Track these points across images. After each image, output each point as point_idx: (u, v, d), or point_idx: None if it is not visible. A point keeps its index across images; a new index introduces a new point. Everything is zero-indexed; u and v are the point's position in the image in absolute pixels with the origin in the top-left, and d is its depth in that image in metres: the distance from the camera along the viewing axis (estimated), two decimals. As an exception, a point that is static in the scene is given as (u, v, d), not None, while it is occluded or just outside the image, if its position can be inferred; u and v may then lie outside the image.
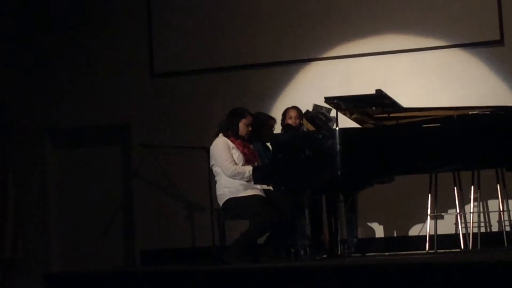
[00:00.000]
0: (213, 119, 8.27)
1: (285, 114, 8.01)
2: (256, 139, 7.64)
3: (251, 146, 7.44)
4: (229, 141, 7.27)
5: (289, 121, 7.91)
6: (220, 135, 7.34)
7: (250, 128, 7.35)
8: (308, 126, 7.73)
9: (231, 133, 7.30)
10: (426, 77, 8.85)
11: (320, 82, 8.94)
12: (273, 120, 7.97)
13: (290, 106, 8.04)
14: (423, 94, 8.67)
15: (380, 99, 7.07)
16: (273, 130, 7.88)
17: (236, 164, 7.18)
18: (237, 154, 7.23)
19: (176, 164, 9.31)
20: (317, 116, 7.66)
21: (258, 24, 9.32)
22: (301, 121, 7.85)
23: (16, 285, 9.45)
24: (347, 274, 5.94)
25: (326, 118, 7.82)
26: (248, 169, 7.12)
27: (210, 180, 8.08)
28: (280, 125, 8.00)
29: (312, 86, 8.80)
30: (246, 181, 7.14)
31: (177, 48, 9.51)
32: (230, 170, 7.15)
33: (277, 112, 8.31)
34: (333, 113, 7.39)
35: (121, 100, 9.59)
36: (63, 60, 9.80)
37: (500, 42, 8.76)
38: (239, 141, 7.30)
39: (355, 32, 9.05)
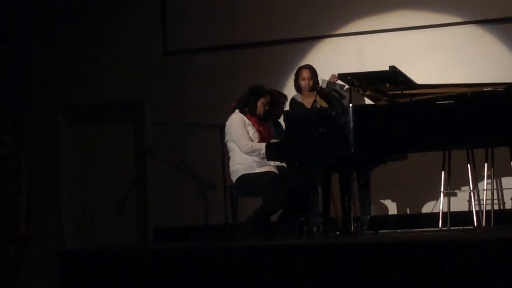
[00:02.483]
0: (226, 97, 8.26)
1: (298, 74, 7.95)
2: (268, 116, 7.63)
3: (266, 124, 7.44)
4: (245, 118, 7.26)
5: (302, 82, 7.87)
6: (236, 111, 7.33)
7: (267, 107, 7.35)
8: (321, 103, 7.70)
9: (248, 111, 7.29)
10: (440, 54, 8.79)
11: (333, 59, 8.89)
12: (284, 97, 7.94)
13: (303, 65, 8.00)
14: (437, 71, 8.61)
15: (394, 76, 7.04)
16: (284, 107, 7.86)
17: (252, 140, 7.17)
18: (252, 131, 7.22)
19: (189, 141, 9.31)
20: (330, 93, 7.65)
21: (272, 1, 9.27)
22: (314, 82, 7.79)
23: (30, 262, 9.51)
24: (360, 251, 5.94)
25: (339, 95, 7.82)
26: (264, 145, 7.11)
27: (223, 157, 8.08)
28: (292, 86, 7.95)
29: (326, 63, 8.74)
30: (261, 157, 7.14)
31: (191, 26, 9.47)
32: (246, 147, 7.14)
33: (290, 89, 8.28)
34: (347, 90, 7.39)
35: (134, 78, 9.57)
36: (77, 38, 9.78)
37: (515, 18, 8.71)
38: (255, 118, 7.29)
39: (369, 8, 8.98)
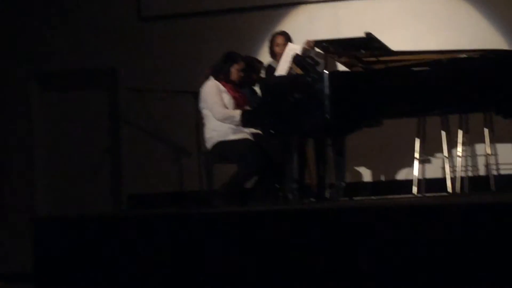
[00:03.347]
0: (201, 63, 8.23)
1: (272, 40, 7.92)
2: (243, 83, 7.61)
3: (241, 90, 7.42)
4: (220, 85, 7.24)
5: (277, 48, 7.84)
6: (211, 78, 7.30)
7: (242, 74, 7.32)
8: (296, 70, 7.68)
9: (223, 77, 7.26)
10: (416, 21, 8.78)
11: (308, 26, 8.86)
12: (260, 63, 7.92)
13: (277, 32, 7.99)
14: (412, 39, 8.60)
15: (370, 42, 7.04)
16: (260, 74, 7.83)
17: (226, 107, 7.15)
18: (227, 98, 7.20)
19: (164, 108, 9.26)
20: (305, 60, 7.62)
21: (247, -32, 9.24)
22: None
23: (2, 230, 9.46)
24: (335, 216, 5.95)
25: (314, 61, 7.78)
26: (238, 112, 7.10)
27: (197, 124, 8.06)
28: (267, 53, 7.93)
29: (301, 30, 8.70)
30: (236, 125, 7.12)
31: (165, -9, 9.42)
32: (220, 114, 7.13)
33: (265, 56, 8.24)
34: (322, 57, 7.37)
35: (108, 44, 9.49)
36: (50, 3, 9.68)
37: (491, -14, 8.71)
38: (230, 85, 7.27)
39: (344, -25, 8.97)
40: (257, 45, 8.96)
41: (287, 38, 7.87)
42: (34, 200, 9.65)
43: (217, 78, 7.28)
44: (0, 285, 8.49)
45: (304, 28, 8.83)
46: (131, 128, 9.44)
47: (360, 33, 7.09)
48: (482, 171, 8.41)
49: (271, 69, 7.86)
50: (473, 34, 8.58)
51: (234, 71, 7.30)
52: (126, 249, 6.39)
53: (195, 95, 7.85)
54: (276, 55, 7.89)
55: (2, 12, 9.74)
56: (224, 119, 7.14)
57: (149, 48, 9.41)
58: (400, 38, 8.47)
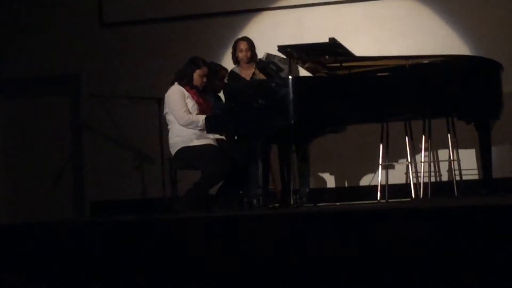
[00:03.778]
0: (164, 69, 8.20)
1: (235, 46, 7.92)
2: (208, 90, 7.58)
3: (206, 96, 7.39)
4: (184, 90, 7.21)
5: (240, 54, 7.83)
6: (176, 83, 7.27)
7: (205, 79, 7.29)
8: (260, 75, 7.68)
9: (186, 82, 7.24)
10: (379, 27, 8.84)
11: (272, 32, 8.87)
12: (224, 70, 7.91)
13: (239, 37, 7.99)
14: (375, 45, 8.65)
15: (333, 48, 7.04)
16: (224, 80, 7.82)
17: (190, 113, 7.13)
18: (191, 104, 7.17)
19: (126, 115, 9.21)
20: (269, 65, 7.61)
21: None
22: (252, 54, 7.77)
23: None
24: (299, 221, 5.94)
25: (277, 68, 7.78)
26: (202, 118, 7.07)
27: (161, 130, 8.03)
28: (231, 59, 7.93)
29: (264, 36, 8.70)
30: (199, 130, 7.09)
31: (127, -3, 9.38)
32: (184, 119, 7.10)
33: (228, 62, 8.23)
34: (285, 63, 7.36)
35: (70, 50, 9.44)
36: (11, 8, 9.60)
37: (452, -8, 8.78)
38: (194, 90, 7.25)
39: (308, -20, 9.00)
40: (221, 51, 8.95)
41: (250, 44, 7.87)
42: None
43: (181, 83, 7.25)
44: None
45: (268, 34, 8.84)
46: (94, 134, 9.37)
47: (324, 39, 7.09)
48: (445, 177, 8.46)
49: (234, 74, 7.85)
50: (435, 40, 8.65)
51: (197, 77, 7.28)
52: (88, 257, 6.32)
53: (159, 101, 7.83)
54: (239, 61, 7.88)
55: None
56: (187, 124, 7.11)
57: (112, 54, 9.37)
58: (363, 44, 8.52)
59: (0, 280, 6.32)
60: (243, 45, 7.87)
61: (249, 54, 7.83)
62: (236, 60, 7.92)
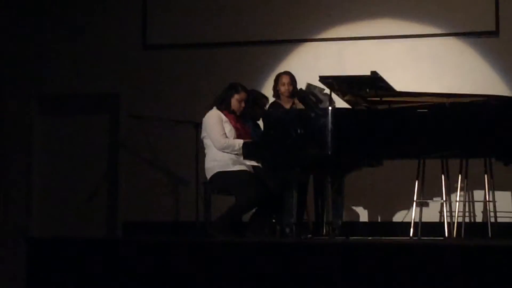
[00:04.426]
0: (203, 94, 8.26)
1: (277, 80, 7.93)
2: (247, 116, 7.62)
3: (244, 122, 7.42)
4: (222, 114, 7.24)
5: (282, 88, 7.85)
6: (214, 107, 7.31)
7: (243, 104, 7.32)
8: (299, 105, 7.70)
9: (224, 107, 7.27)
10: (420, 64, 8.85)
11: (313, 63, 8.91)
12: (265, 98, 7.94)
13: (282, 71, 8.01)
14: (415, 81, 8.63)
15: (375, 81, 7.04)
16: (264, 109, 7.84)
17: (227, 137, 7.16)
18: (229, 128, 7.20)
19: (164, 137, 9.26)
20: (308, 96, 7.63)
21: (255, 2, 9.27)
22: (293, 88, 7.79)
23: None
24: (331, 252, 5.94)
25: (317, 99, 7.80)
26: (238, 142, 7.09)
27: (197, 154, 8.07)
28: (271, 88, 7.95)
29: (306, 67, 8.75)
30: (236, 154, 7.11)
31: (171, 21, 9.44)
32: (220, 143, 7.12)
33: (269, 90, 8.23)
34: (326, 94, 7.38)
35: (112, 70, 9.53)
36: (57, 27, 9.71)
37: (495, 33, 8.77)
38: (232, 115, 7.27)
39: (351, 15, 9.03)
40: (261, 79, 9.00)
41: (292, 78, 7.89)
42: (29, 221, 9.59)
43: (219, 108, 7.29)
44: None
45: (309, 65, 8.88)
46: (130, 155, 9.42)
47: (364, 73, 7.10)
48: (479, 218, 8.40)
49: (276, 104, 7.87)
50: (475, 79, 8.65)
51: (235, 102, 7.31)
52: (119, 276, 6.36)
53: (196, 126, 7.87)
54: (280, 95, 7.91)
55: (7, 33, 9.75)
56: (224, 148, 7.13)
57: (152, 76, 9.44)
58: (403, 80, 8.48)
59: None
60: (285, 79, 7.89)
61: (290, 88, 7.85)
62: (276, 94, 7.95)
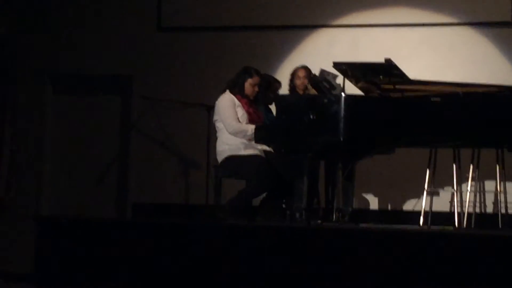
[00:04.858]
0: (217, 78, 8.23)
1: (293, 74, 7.97)
2: (260, 101, 7.62)
3: (256, 106, 7.41)
4: (235, 98, 7.24)
5: (298, 81, 7.88)
6: (227, 91, 7.30)
7: (256, 89, 7.31)
8: (312, 91, 7.70)
9: (238, 91, 7.26)
10: (434, 53, 8.83)
11: (327, 49, 8.90)
12: (278, 83, 7.96)
13: (298, 66, 8.01)
14: (429, 70, 8.62)
15: (389, 69, 7.02)
16: (277, 93, 7.85)
17: (239, 121, 7.15)
18: (241, 113, 7.19)
19: (176, 119, 9.27)
20: (322, 82, 7.63)
21: (271, -14, 9.27)
22: (307, 82, 7.81)
23: (6, 227, 9.43)
24: (341, 238, 5.95)
25: (330, 85, 7.79)
26: (251, 127, 7.09)
27: (208, 138, 8.07)
28: (288, 86, 7.96)
29: (320, 52, 8.75)
30: (248, 139, 7.11)
31: (187, 4, 9.43)
32: (232, 127, 7.12)
33: (283, 75, 8.28)
34: (339, 80, 7.37)
35: (125, 51, 9.52)
36: (71, 8, 9.71)
37: (510, 24, 8.73)
38: (245, 99, 7.27)
39: (366, 2, 9.02)
40: (275, 64, 9.01)
41: (308, 72, 7.91)
42: (40, 200, 9.63)
43: (232, 92, 7.28)
44: (-1, 283, 8.46)
45: (323, 51, 8.87)
46: (142, 136, 9.43)
47: (378, 60, 7.09)
48: (490, 208, 8.38)
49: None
50: (490, 69, 8.62)
51: (248, 86, 7.30)
52: (127, 254, 6.37)
53: (209, 109, 7.87)
54: (295, 88, 7.92)
55: (21, 13, 9.75)
56: (236, 133, 7.13)
57: (166, 58, 9.43)
58: (417, 68, 8.46)
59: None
60: (301, 72, 7.92)
61: (306, 81, 7.88)
62: (292, 88, 7.95)
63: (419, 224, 7.66)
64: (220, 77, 7.93)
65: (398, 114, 6.87)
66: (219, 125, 7.26)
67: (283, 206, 7.32)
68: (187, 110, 8.92)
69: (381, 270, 5.80)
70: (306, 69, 7.92)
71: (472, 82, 7.71)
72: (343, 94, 6.75)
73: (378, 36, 8.93)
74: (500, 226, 7.54)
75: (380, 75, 7.13)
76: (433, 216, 7.80)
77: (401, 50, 8.75)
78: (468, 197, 7.71)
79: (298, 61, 8.74)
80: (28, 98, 9.68)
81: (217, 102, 7.31)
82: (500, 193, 7.73)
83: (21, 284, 7.72)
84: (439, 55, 8.79)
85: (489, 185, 8.24)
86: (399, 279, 5.76)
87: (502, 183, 7.66)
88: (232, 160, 7.15)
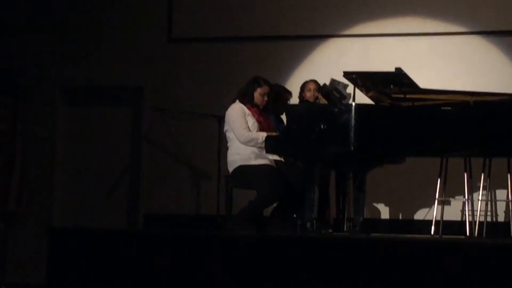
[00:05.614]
0: (227, 88, 8.24)
1: (303, 87, 8.04)
2: (270, 110, 7.64)
3: (267, 116, 7.43)
4: (245, 108, 7.26)
5: (308, 94, 7.94)
6: (237, 101, 7.33)
7: (266, 98, 7.34)
8: (322, 101, 7.71)
9: (247, 100, 7.29)
10: (444, 62, 8.81)
11: (337, 59, 8.88)
12: (288, 93, 8.00)
13: (308, 79, 8.06)
14: (439, 79, 8.59)
15: (399, 78, 7.03)
16: (288, 103, 7.86)
17: (250, 130, 7.16)
18: (251, 122, 7.21)
19: (187, 130, 9.27)
20: (332, 92, 7.65)
21: (281, -3, 9.29)
22: (317, 95, 7.85)
23: (18, 239, 9.46)
24: (352, 248, 5.95)
25: (340, 95, 7.83)
26: (262, 135, 7.10)
27: (219, 148, 8.09)
28: (297, 98, 7.99)
29: (330, 62, 8.75)
30: (259, 147, 7.11)
31: (197, 14, 9.44)
32: (243, 136, 7.14)
33: (293, 85, 8.29)
34: (349, 90, 7.38)
35: (136, 62, 9.53)
36: (82, 19, 9.74)
37: (521, 32, 8.73)
38: (255, 108, 7.29)
39: (376, 11, 8.99)
40: (284, 74, 9.00)
41: (318, 85, 7.98)
42: (51, 211, 9.64)
43: (242, 101, 7.31)
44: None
45: (333, 61, 8.86)
46: (153, 147, 9.45)
47: (389, 69, 7.09)
48: (501, 217, 8.36)
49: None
50: (500, 78, 8.60)
51: (258, 95, 7.33)
52: (139, 265, 6.39)
53: (220, 119, 7.89)
54: (304, 101, 7.96)
55: (32, 24, 9.79)
56: (247, 142, 7.14)
57: (177, 69, 9.44)
58: (427, 77, 8.44)
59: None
60: (311, 85, 8.01)
61: (316, 94, 7.93)
62: (302, 100, 8.00)
63: (431, 233, 7.66)
64: (231, 87, 7.94)
65: (409, 123, 6.87)
66: (229, 135, 7.28)
67: (294, 216, 7.31)
68: (198, 120, 8.92)
69: (393, 279, 5.79)
70: (315, 82, 8.00)
71: (483, 91, 7.72)
72: (353, 104, 6.76)
73: (388, 46, 8.92)
74: (511, 235, 7.52)
75: (391, 84, 7.14)
76: (445, 225, 7.80)
77: (411, 59, 8.73)
78: (479, 206, 7.70)
79: (309, 71, 8.80)
80: (39, 109, 9.70)
81: (227, 112, 7.33)
82: (511, 202, 7.71)
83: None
84: (449, 64, 8.77)
85: (501, 194, 8.23)
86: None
87: (514, 192, 7.65)
88: (243, 170, 7.16)
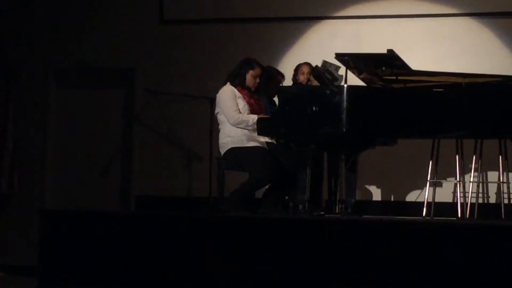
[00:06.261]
0: (219, 70, 8.21)
1: (297, 69, 8.03)
2: (262, 92, 7.63)
3: (258, 98, 7.42)
4: (235, 90, 7.25)
5: (301, 77, 7.94)
6: (228, 83, 7.31)
7: (258, 80, 7.32)
8: (314, 82, 7.71)
9: (238, 83, 7.27)
10: (436, 44, 8.80)
11: (330, 41, 8.87)
12: (281, 75, 7.98)
13: (301, 62, 8.05)
14: (432, 61, 8.60)
15: (391, 60, 7.03)
16: (280, 85, 7.85)
17: (240, 112, 7.16)
18: (242, 104, 7.20)
19: (179, 112, 9.27)
20: (324, 74, 7.63)
21: (273, -22, 9.26)
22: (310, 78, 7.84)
23: (10, 221, 9.46)
24: (344, 231, 5.96)
25: (332, 77, 7.80)
26: (252, 117, 7.10)
27: (211, 130, 8.08)
28: (291, 81, 7.98)
29: (322, 44, 8.74)
30: (250, 130, 7.11)
31: (188, -4, 9.44)
32: (233, 118, 7.13)
33: (285, 67, 8.28)
34: (341, 71, 7.37)
35: (128, 44, 9.50)
36: (73, 0, 9.71)
37: (512, 14, 8.73)
38: (245, 91, 7.28)
39: (369, -7, 9.01)
40: (277, 56, 8.99)
41: (312, 68, 7.96)
42: (43, 193, 9.63)
43: (233, 84, 7.29)
44: (2, 276, 8.48)
45: (325, 43, 8.86)
46: (145, 129, 9.44)
47: (381, 51, 7.08)
48: (492, 199, 8.38)
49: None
50: (492, 60, 8.61)
51: (249, 77, 7.31)
52: (131, 247, 6.39)
53: (211, 101, 7.87)
54: (298, 84, 7.96)
55: (23, 8, 9.75)
56: (237, 124, 7.14)
57: (169, 51, 9.42)
58: (420, 59, 8.45)
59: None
60: (305, 68, 8.01)
61: (308, 77, 7.90)
62: (295, 82, 7.99)
63: (422, 215, 7.67)
64: (223, 69, 7.92)
65: (401, 105, 6.87)
66: (221, 117, 7.27)
67: (286, 198, 7.32)
68: (189, 102, 8.92)
69: (384, 261, 5.81)
70: (309, 65, 7.99)
71: (474, 72, 7.73)
72: (345, 85, 6.76)
73: (380, 28, 8.91)
74: (502, 216, 7.55)
75: (383, 66, 7.14)
76: (436, 207, 7.81)
77: (403, 41, 8.73)
78: (471, 187, 7.72)
79: (301, 53, 8.79)
80: (30, 92, 9.68)
81: (217, 95, 7.32)
82: (503, 184, 7.74)
83: (25, 277, 7.76)
84: (441, 46, 8.77)
85: (492, 175, 8.25)
86: (402, 269, 5.78)
87: (505, 174, 7.67)
88: (235, 152, 7.16)
